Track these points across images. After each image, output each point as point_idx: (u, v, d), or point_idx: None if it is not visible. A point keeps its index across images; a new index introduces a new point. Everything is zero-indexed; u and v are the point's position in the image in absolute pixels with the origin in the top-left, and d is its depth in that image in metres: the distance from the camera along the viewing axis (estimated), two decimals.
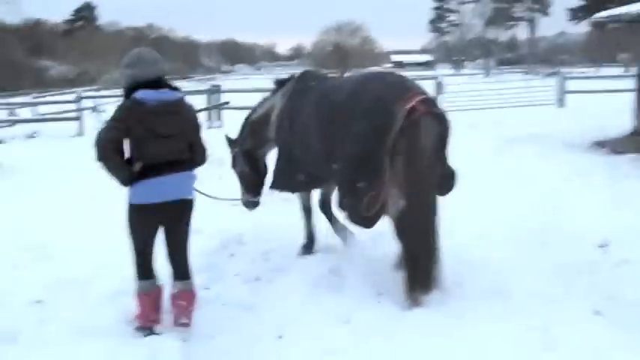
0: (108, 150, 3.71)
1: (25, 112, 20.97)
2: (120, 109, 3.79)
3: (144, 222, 3.95)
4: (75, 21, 76.19)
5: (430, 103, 4.39)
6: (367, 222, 4.58)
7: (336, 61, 49.96)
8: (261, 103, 6.03)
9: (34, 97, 24.93)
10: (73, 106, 17.60)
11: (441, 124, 4.37)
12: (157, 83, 3.88)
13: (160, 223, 4.02)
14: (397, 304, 4.41)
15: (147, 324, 4.06)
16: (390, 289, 4.63)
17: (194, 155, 4.10)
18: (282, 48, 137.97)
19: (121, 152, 3.84)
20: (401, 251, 4.47)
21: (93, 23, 75.06)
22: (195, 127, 4.15)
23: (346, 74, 6.42)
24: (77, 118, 16.33)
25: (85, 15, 76.48)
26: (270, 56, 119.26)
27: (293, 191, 5.76)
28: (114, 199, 4.86)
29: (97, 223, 6.54)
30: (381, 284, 4.76)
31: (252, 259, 5.73)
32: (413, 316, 4.22)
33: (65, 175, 9.62)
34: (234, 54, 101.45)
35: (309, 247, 5.79)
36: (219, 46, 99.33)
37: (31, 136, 15.89)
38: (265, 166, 6.20)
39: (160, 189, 3.85)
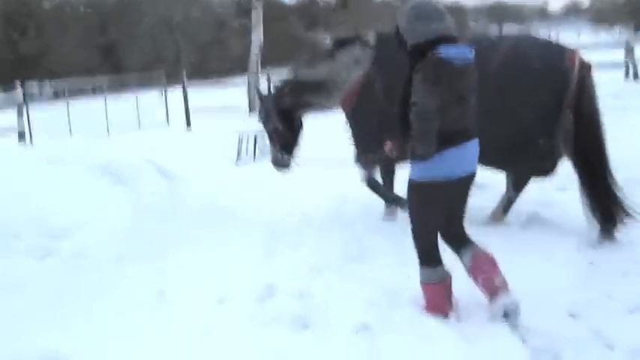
0: (434, 121, 3.24)
1: None
2: (428, 70, 3.24)
3: (440, 201, 3.47)
4: None
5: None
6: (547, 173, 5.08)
7: (627, 13, 43.62)
8: (312, 63, 5.74)
9: None
10: None
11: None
12: (452, 39, 3.37)
13: (449, 200, 3.56)
14: None
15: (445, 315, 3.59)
16: None
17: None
18: (554, 5, 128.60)
19: None
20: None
21: None
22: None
23: None
24: None
25: None
26: (540, 15, 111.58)
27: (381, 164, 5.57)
28: None
29: None
30: None
31: (623, 272, 4.19)
32: None
33: None
34: (501, 15, 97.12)
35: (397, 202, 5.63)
36: (486, 9, 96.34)
37: None
38: (301, 124, 5.95)
39: (460, 161, 3.41)
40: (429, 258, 3.59)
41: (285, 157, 5.87)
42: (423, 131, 3.27)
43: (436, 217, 3.56)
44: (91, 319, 3.87)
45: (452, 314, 3.63)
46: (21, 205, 4.42)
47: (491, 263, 3.61)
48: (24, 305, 3.82)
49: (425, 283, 3.63)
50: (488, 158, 4.63)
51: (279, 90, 5.86)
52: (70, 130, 13.93)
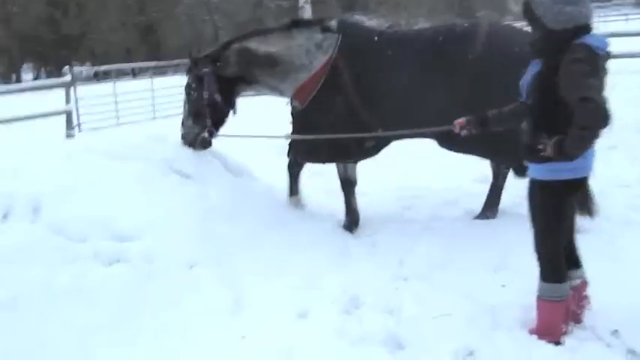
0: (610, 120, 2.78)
1: None
2: (588, 61, 2.87)
3: (570, 203, 3.28)
4: None
5: None
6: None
7: None
8: (265, 37, 5.12)
9: None
10: None
11: None
12: (589, 28, 3.03)
13: None
14: None
15: (558, 339, 3.22)
16: None
17: None
18: None
19: None
20: None
21: None
22: None
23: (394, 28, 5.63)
24: None
25: None
26: None
27: (345, 160, 5.22)
28: None
29: None
30: None
31: None
32: None
33: None
34: None
35: (354, 224, 5.29)
36: None
37: None
38: (235, 103, 5.29)
39: (591, 159, 3.13)
40: (556, 271, 3.22)
41: (212, 135, 5.16)
42: (595, 131, 2.83)
43: (564, 222, 3.26)
44: (163, 332, 3.58)
45: (564, 340, 3.25)
46: (85, 206, 4.09)
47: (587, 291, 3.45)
48: (92, 317, 3.52)
49: (544, 300, 3.26)
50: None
51: (222, 53, 5.11)
52: (117, 115, 13.71)
